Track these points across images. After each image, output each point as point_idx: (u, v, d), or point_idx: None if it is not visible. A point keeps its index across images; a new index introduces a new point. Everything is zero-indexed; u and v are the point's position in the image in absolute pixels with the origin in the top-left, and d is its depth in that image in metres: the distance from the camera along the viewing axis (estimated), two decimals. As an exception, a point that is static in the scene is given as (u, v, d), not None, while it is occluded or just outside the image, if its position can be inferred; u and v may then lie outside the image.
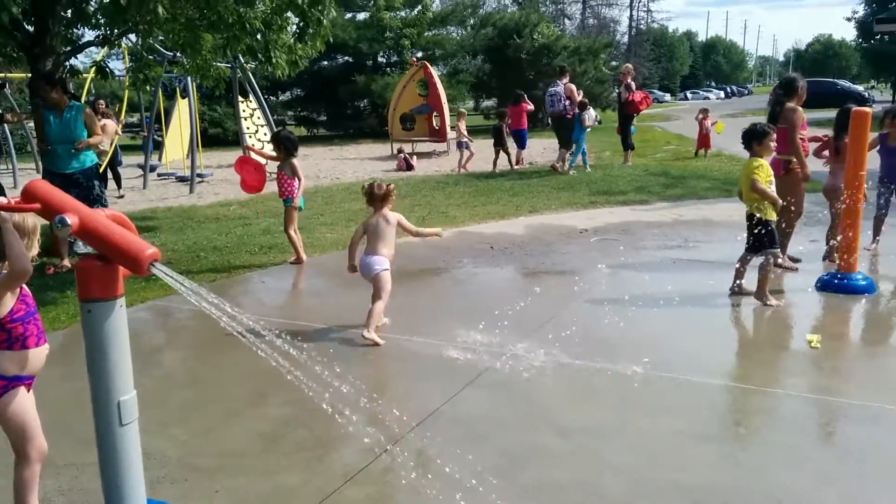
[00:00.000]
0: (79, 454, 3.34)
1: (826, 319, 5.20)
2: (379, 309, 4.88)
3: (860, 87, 44.56)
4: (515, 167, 14.72)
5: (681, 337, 4.75)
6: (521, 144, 15.26)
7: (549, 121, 14.49)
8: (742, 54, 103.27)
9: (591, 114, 14.01)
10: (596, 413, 3.69)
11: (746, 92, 76.52)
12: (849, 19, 55.47)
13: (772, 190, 5.38)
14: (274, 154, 7.41)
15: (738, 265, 5.62)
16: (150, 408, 3.78)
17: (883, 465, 3.12)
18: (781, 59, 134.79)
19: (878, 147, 6.79)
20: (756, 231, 5.41)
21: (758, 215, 5.38)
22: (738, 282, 5.62)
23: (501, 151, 14.63)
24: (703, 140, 16.21)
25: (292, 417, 3.74)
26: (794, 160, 6.19)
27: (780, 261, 6.34)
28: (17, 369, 2.63)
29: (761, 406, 3.79)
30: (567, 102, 13.61)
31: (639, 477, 3.06)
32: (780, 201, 5.36)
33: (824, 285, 5.68)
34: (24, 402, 2.66)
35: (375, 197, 5.02)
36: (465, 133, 15.39)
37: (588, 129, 13.94)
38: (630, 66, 15.68)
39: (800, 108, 6.22)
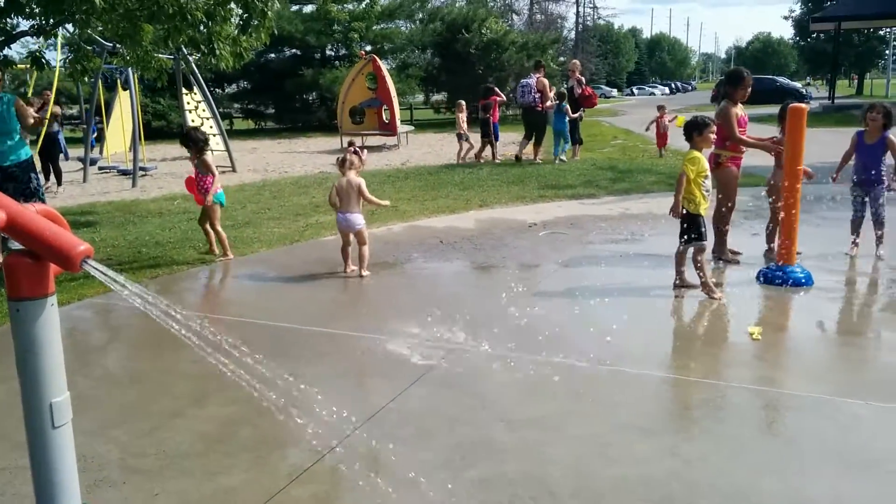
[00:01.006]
0: (11, 458, 3.22)
1: (767, 311, 5.32)
2: (367, 252, 6.35)
3: (798, 84, 45.86)
4: (480, 159, 14.93)
5: (626, 330, 4.80)
6: (495, 136, 15.32)
7: (520, 112, 14.72)
8: (686, 51, 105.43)
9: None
10: (543, 407, 3.70)
11: (690, 88, 78.19)
12: (786, 18, 57.16)
13: (706, 184, 5.48)
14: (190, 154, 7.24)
15: (675, 258, 5.71)
16: (88, 409, 3.68)
17: (824, 454, 3.20)
18: (723, 56, 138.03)
19: (855, 147, 6.62)
20: (684, 224, 5.52)
21: (687, 208, 5.48)
22: (678, 275, 5.71)
23: (488, 144, 14.93)
24: (662, 138, 15.50)
25: (236, 417, 3.66)
26: (723, 155, 6.35)
27: (725, 255, 6.49)
28: None
29: (704, 398, 3.86)
30: (537, 95, 14.05)
31: (586, 470, 3.09)
32: (701, 197, 5.44)
33: (765, 277, 5.82)
34: None
35: (340, 164, 6.41)
36: (465, 125, 15.39)
37: (569, 120, 14.32)
38: (577, 61, 15.88)
39: (734, 106, 6.36)
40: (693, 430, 3.51)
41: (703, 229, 5.50)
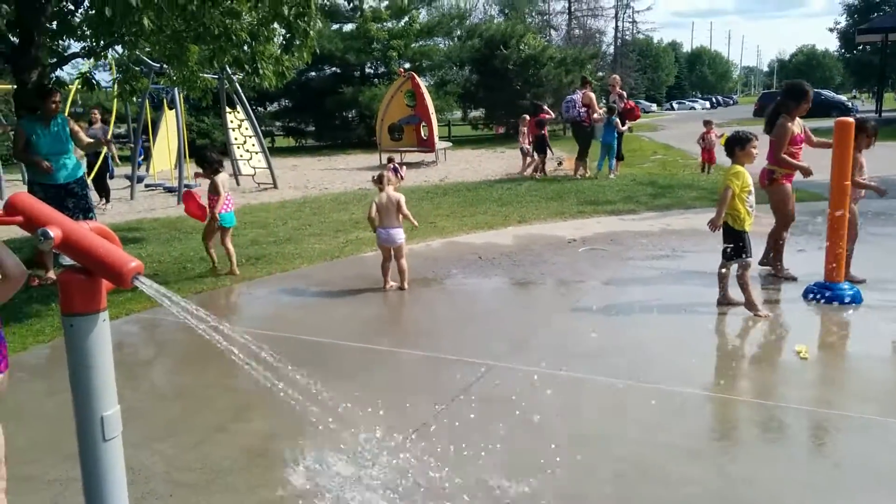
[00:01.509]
0: (63, 470, 3.30)
1: (815, 329, 5.21)
2: (405, 265, 6.46)
3: (843, 97, 44.98)
4: (536, 175, 15.00)
5: (669, 347, 4.74)
6: (542, 151, 15.41)
7: (545, 130, 14.94)
8: (727, 64, 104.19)
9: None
10: (584, 425, 3.67)
11: (731, 102, 77.21)
12: (831, 30, 56.21)
13: (750, 199, 5.41)
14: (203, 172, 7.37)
15: (718, 275, 5.63)
16: (135, 422, 3.74)
17: (872, 475, 3.11)
18: (766, 69, 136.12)
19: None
20: (728, 240, 5.45)
21: (729, 223, 5.40)
22: (722, 291, 5.63)
23: (544, 158, 15.15)
24: (708, 155, 14.78)
25: (278, 431, 3.70)
26: (778, 171, 6.24)
27: (781, 272, 6.36)
28: None
29: (750, 417, 3.79)
30: (584, 110, 14.18)
31: (628, 490, 3.05)
32: (745, 213, 5.37)
33: (812, 295, 5.70)
34: None
35: (377, 180, 6.53)
36: (527, 140, 15.53)
37: (621, 134, 14.37)
38: (617, 76, 15.84)
39: (791, 123, 6.23)
40: (739, 450, 3.44)
41: (747, 246, 5.42)
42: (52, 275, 6.85)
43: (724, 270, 5.58)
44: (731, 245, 5.43)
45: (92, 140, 7.12)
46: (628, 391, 4.05)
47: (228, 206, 7.21)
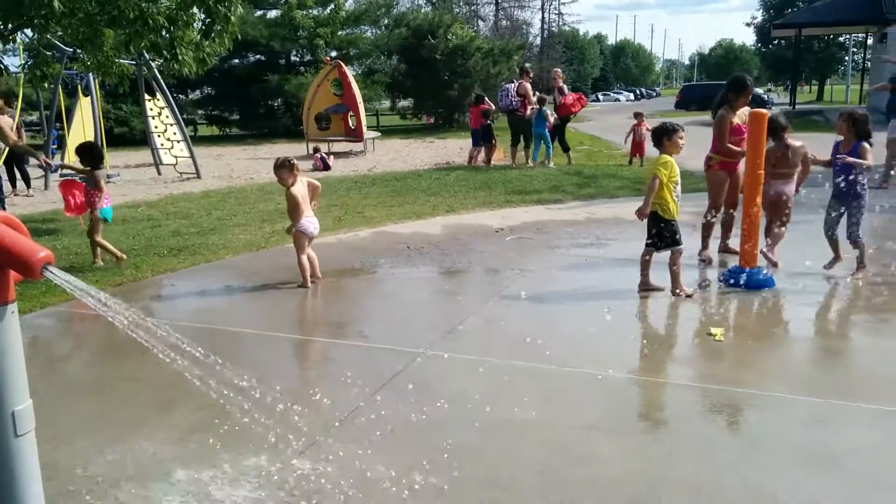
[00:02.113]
0: (-29, 470, 3.15)
1: (729, 312, 5.42)
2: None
3: (760, 90, 46.73)
4: (483, 163, 15.12)
5: (592, 333, 4.86)
6: (487, 140, 15.45)
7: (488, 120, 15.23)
8: (650, 57, 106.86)
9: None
10: (510, 410, 3.73)
11: (655, 94, 79.24)
12: (748, 24, 58.31)
13: (677, 189, 5.57)
14: (80, 167, 7.18)
15: (640, 262, 5.79)
16: (51, 418, 3.61)
17: (785, 452, 3.26)
18: (687, 62, 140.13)
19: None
20: (653, 229, 5.62)
21: (658, 212, 5.56)
22: (643, 278, 5.79)
23: (489, 147, 15.26)
24: (637, 146, 14.67)
25: (201, 425, 3.63)
26: (714, 158, 6.69)
27: (703, 256, 6.63)
28: None
29: (669, 398, 3.92)
30: (517, 99, 14.36)
31: (554, 472, 3.12)
32: (672, 202, 5.55)
33: (727, 280, 5.92)
34: None
35: (291, 170, 6.42)
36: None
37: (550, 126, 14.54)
38: (559, 70, 16.04)
39: (730, 114, 6.51)
40: (658, 430, 3.56)
41: (678, 234, 5.59)
42: None
43: (647, 258, 5.74)
44: (661, 234, 5.58)
45: (15, 139, 6.72)
46: (554, 376, 4.14)
47: (108, 200, 7.23)
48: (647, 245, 5.70)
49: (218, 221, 9.36)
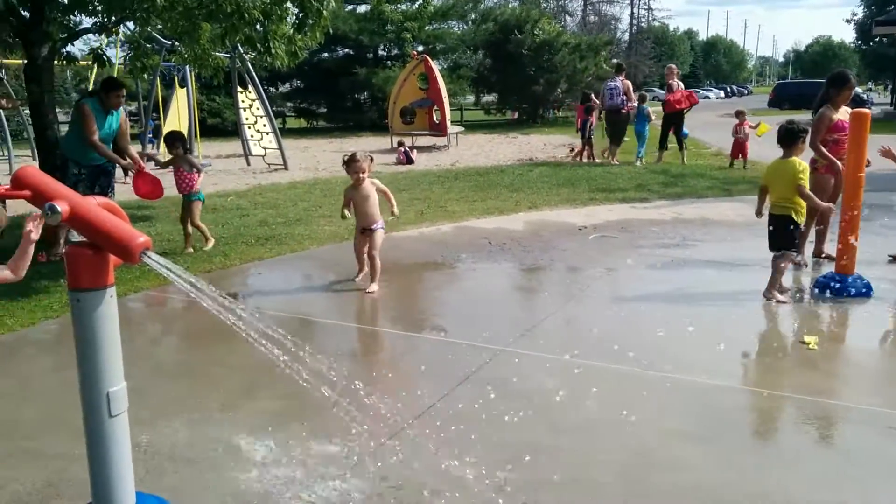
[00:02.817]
0: (69, 445, 3.30)
1: (823, 321, 5.16)
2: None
3: (860, 90, 44.49)
4: (586, 160, 15.09)
5: (677, 336, 4.71)
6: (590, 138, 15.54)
7: (603, 114, 15.05)
8: (742, 54, 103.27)
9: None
10: (592, 411, 3.65)
11: (746, 92, 76.51)
12: (848, 21, 55.55)
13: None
14: (165, 159, 7.51)
15: (779, 268, 5.55)
16: (142, 399, 3.74)
17: (880, 468, 3.09)
18: (781, 59, 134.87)
19: None
20: (787, 232, 5.43)
21: (792, 216, 5.39)
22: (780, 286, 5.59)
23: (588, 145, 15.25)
24: (739, 147, 13.58)
25: (286, 410, 3.69)
26: (820, 161, 6.31)
27: (798, 259, 6.35)
28: None
29: (758, 407, 3.76)
30: (624, 97, 14.36)
31: (634, 476, 3.03)
32: (824, 205, 5.53)
33: (822, 287, 5.64)
34: None
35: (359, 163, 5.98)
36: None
37: (650, 123, 14.52)
38: (674, 66, 15.55)
39: (832, 111, 6.22)
40: (746, 439, 3.41)
41: (798, 240, 5.54)
42: (62, 250, 6.86)
43: (785, 264, 5.55)
44: (789, 237, 5.43)
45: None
46: (635, 379, 4.03)
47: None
48: (784, 251, 5.49)
49: (304, 212, 9.55)
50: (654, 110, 15.67)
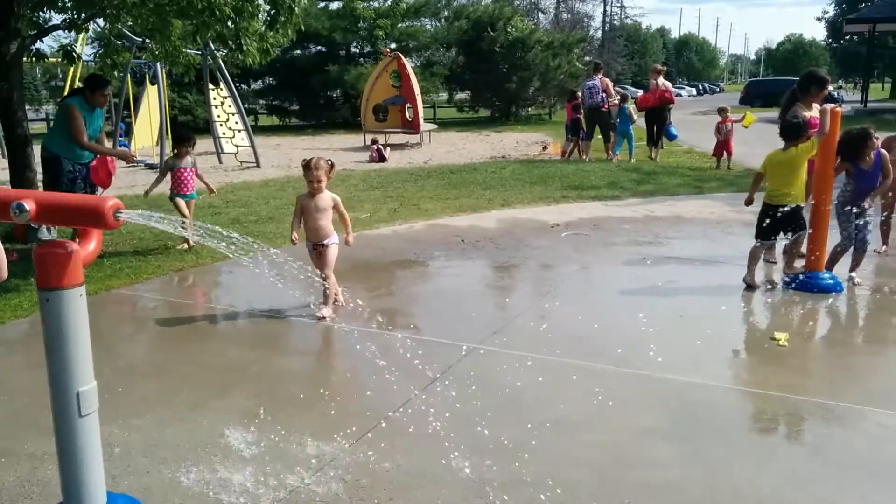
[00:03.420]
0: (40, 444, 3.27)
1: (794, 317, 5.25)
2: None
3: (830, 87, 45.11)
4: (583, 157, 15.16)
5: (650, 333, 4.77)
6: (576, 134, 15.56)
7: (585, 113, 15.17)
8: (714, 52, 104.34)
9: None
10: (565, 409, 3.69)
11: (718, 89, 77.31)
12: (819, 19, 56.37)
13: None
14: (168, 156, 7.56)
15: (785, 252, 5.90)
16: (113, 398, 3.72)
17: (850, 464, 3.15)
18: (753, 57, 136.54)
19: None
20: (799, 217, 5.66)
21: (799, 203, 5.64)
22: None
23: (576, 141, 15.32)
24: (723, 145, 13.14)
25: (258, 408, 3.68)
26: None
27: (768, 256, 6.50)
28: None
29: (730, 404, 3.82)
30: (603, 95, 14.60)
31: (608, 474, 3.07)
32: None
33: (792, 283, 5.74)
34: None
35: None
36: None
37: (634, 123, 14.67)
38: (657, 65, 15.82)
39: (804, 109, 6.26)
40: (716, 436, 3.46)
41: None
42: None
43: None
44: (801, 219, 5.70)
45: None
46: (609, 376, 4.07)
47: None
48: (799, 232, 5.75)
49: (276, 210, 9.50)
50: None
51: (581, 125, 15.14)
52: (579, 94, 15.88)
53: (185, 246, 7.25)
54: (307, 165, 5.18)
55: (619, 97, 14.86)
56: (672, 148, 16.50)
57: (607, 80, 14.89)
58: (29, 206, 2.18)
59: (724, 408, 3.76)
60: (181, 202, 7.46)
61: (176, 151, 7.63)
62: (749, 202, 5.91)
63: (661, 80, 14.63)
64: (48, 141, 7.13)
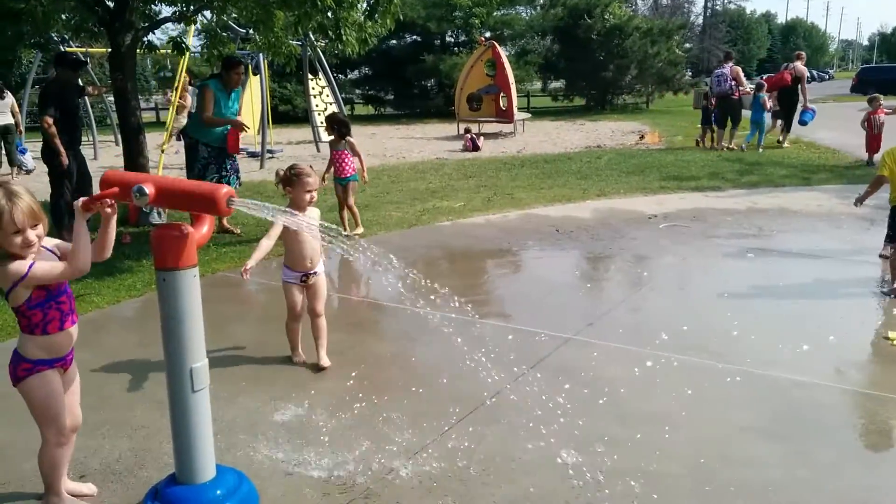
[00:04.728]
0: (152, 417, 3.45)
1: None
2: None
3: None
4: (716, 146, 14.84)
5: (753, 329, 4.60)
6: (707, 122, 15.36)
7: (714, 101, 14.91)
8: (823, 38, 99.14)
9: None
10: (662, 403, 3.61)
11: (827, 77, 73.49)
12: (941, 1, 52.56)
13: None
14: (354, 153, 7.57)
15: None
16: (220, 376, 3.88)
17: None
18: (865, 43, 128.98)
19: None
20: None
21: None
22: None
23: (708, 130, 15.06)
24: (877, 140, 11.48)
25: (357, 390, 3.77)
26: None
27: (885, 252, 6.14)
28: (41, 353, 2.55)
29: (836, 404, 3.64)
30: (733, 83, 14.43)
31: (705, 471, 2.99)
32: None
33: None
34: (49, 385, 2.58)
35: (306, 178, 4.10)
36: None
37: (768, 112, 14.41)
38: (801, 52, 15.49)
39: None
40: (823, 436, 3.31)
41: None
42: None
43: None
44: None
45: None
46: (708, 371, 3.96)
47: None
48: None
49: (371, 198, 9.66)
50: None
51: (710, 113, 14.91)
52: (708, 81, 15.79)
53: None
54: (300, 173, 4.03)
55: (753, 85, 14.71)
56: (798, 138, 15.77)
57: (738, 69, 14.73)
58: (149, 189, 2.29)
59: (830, 408, 3.59)
60: (338, 187, 7.53)
61: (333, 136, 7.64)
62: (859, 203, 5.57)
63: (794, 63, 14.50)
64: (189, 126, 7.64)
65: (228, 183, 7.48)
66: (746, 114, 14.49)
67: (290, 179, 4.02)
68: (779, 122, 14.84)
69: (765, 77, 14.79)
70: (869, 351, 4.41)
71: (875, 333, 4.61)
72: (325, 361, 4.10)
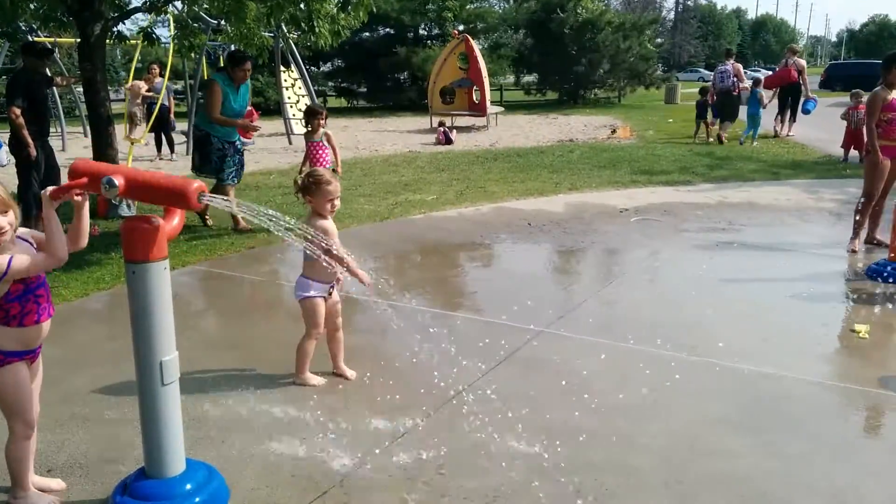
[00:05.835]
0: (121, 411, 3.42)
1: (875, 309, 5.05)
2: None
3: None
4: (710, 139, 15.07)
5: (722, 321, 4.67)
6: (702, 117, 15.65)
7: (715, 96, 15.40)
8: (793, 33, 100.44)
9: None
10: (632, 395, 3.64)
11: (796, 73, 74.51)
12: (906, -1, 53.51)
13: None
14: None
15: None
16: (190, 370, 3.84)
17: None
18: (834, 39, 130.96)
19: None
20: None
21: None
22: None
23: (702, 123, 15.31)
24: (854, 137, 11.27)
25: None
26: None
27: (851, 246, 6.29)
28: (13, 345, 2.51)
29: (804, 396, 3.70)
30: (734, 80, 15.01)
31: (675, 462, 3.02)
32: None
33: (875, 274, 5.53)
34: (18, 377, 2.55)
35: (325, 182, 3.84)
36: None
37: (764, 107, 14.82)
38: (794, 45, 16.09)
39: (882, 91, 6.09)
40: (791, 428, 3.37)
41: None
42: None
43: None
44: None
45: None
46: (678, 363, 4.00)
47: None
48: None
49: (344, 191, 9.49)
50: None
51: (706, 107, 15.27)
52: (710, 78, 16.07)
53: None
54: (319, 181, 3.78)
55: (751, 81, 15.20)
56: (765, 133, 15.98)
57: (738, 66, 15.25)
58: (118, 181, 2.27)
59: (800, 400, 3.65)
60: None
61: (309, 127, 7.50)
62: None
63: (794, 58, 15.19)
64: (199, 119, 7.55)
65: (236, 177, 7.55)
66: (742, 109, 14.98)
67: (309, 188, 3.79)
68: (776, 118, 15.43)
69: (767, 74, 15.30)
70: (836, 344, 4.49)
71: (842, 327, 4.70)
72: (350, 372, 3.90)
